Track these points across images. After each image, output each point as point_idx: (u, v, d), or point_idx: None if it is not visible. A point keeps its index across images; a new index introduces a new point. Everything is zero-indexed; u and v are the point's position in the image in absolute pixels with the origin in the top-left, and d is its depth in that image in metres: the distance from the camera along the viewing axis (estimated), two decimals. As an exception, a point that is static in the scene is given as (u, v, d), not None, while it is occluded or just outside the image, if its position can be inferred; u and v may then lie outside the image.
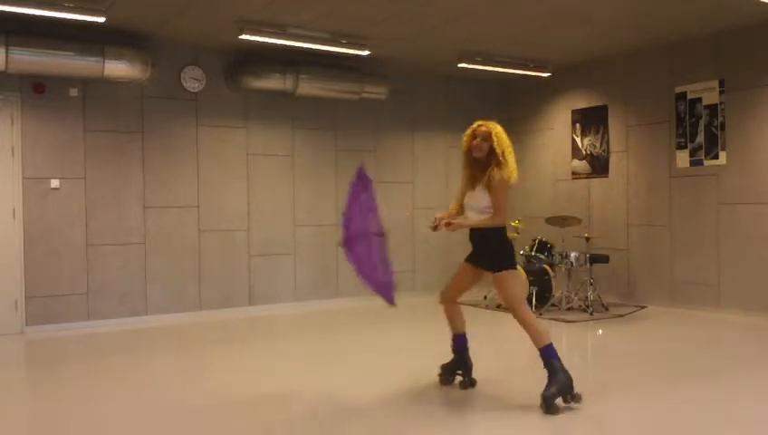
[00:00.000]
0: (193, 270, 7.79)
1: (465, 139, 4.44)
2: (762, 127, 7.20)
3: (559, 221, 8.06)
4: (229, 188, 8.02)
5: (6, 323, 6.87)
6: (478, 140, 4.33)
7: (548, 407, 4.07)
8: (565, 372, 4.17)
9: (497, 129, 4.36)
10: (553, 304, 7.79)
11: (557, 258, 7.90)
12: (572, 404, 4.16)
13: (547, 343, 4.22)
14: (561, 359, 4.22)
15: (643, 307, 8.03)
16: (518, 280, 4.27)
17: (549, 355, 4.19)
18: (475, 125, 4.43)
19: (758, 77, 7.20)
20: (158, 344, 6.54)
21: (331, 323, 7.57)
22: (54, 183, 7.07)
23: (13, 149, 6.91)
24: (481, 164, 4.37)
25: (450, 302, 4.65)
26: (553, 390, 4.11)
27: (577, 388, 4.17)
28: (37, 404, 4.69)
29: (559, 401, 4.13)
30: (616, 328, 6.99)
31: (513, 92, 9.95)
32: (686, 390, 4.68)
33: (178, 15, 6.64)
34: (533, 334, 4.24)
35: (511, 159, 4.32)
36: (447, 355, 4.70)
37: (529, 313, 4.32)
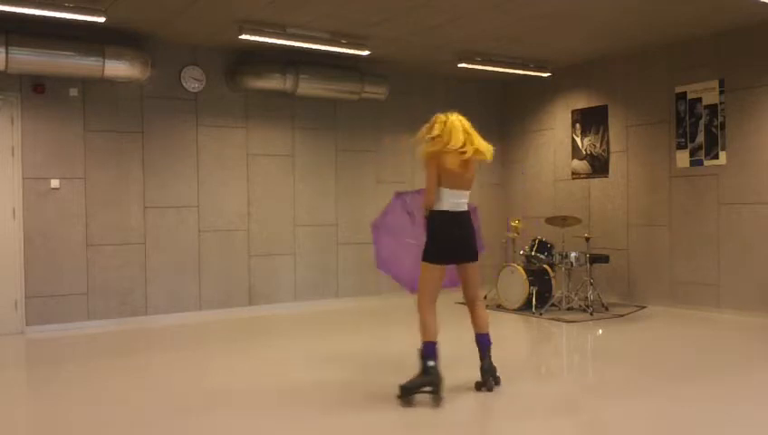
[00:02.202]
0: (193, 270, 7.79)
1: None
2: (762, 127, 7.20)
3: (559, 221, 8.05)
4: (229, 188, 8.02)
5: (6, 323, 6.87)
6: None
7: (402, 394, 4.30)
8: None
9: None
10: (553, 304, 7.79)
11: (557, 258, 7.90)
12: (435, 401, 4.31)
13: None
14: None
15: (643, 307, 8.03)
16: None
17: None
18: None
19: (758, 77, 7.21)
20: (158, 344, 6.55)
21: (330, 323, 7.56)
22: (54, 183, 7.07)
23: (13, 149, 6.91)
24: None
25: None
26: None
27: (577, 387, 4.17)
28: (37, 404, 4.69)
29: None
30: (616, 328, 6.99)
31: (513, 92, 9.95)
32: (685, 390, 4.67)
33: (178, 15, 6.65)
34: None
35: None
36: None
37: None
